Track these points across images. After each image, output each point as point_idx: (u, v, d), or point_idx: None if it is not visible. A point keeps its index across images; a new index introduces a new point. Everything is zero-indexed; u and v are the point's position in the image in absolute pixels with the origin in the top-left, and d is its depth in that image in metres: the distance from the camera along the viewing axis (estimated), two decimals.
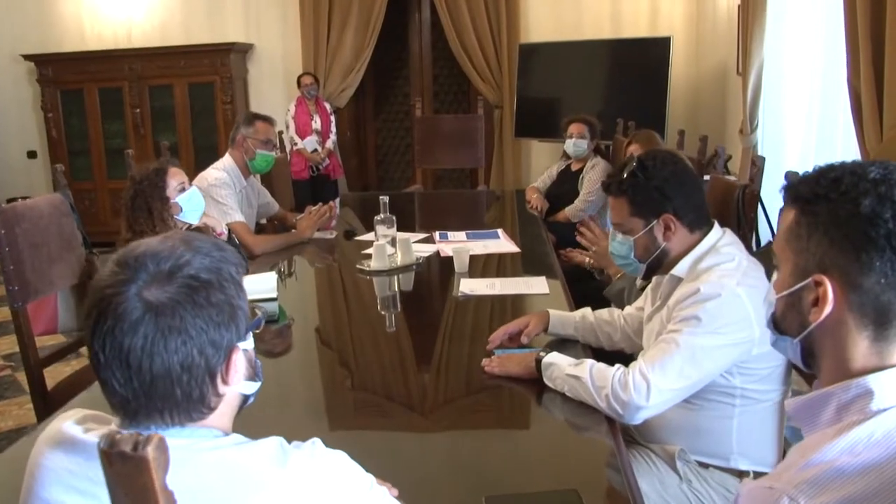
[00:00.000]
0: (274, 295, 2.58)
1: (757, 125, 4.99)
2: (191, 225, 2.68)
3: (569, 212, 4.29)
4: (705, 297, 1.63)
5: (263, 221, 3.88)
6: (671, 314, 1.69)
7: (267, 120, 3.52)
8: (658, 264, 1.81)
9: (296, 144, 6.61)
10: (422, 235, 3.45)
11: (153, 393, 0.92)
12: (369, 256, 3.05)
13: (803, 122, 4.31)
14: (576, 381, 1.68)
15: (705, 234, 1.78)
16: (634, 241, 1.79)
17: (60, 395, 2.60)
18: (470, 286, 2.63)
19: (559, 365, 1.73)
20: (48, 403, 2.56)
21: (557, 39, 6.39)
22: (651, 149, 1.81)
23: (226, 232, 2.81)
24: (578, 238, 2.81)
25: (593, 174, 4.28)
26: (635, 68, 5.85)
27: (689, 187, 1.76)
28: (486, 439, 1.74)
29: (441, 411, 1.88)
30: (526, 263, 3.12)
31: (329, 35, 6.78)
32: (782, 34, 4.63)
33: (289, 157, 6.79)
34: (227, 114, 6.65)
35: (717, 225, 1.81)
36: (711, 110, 6.03)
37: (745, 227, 2.36)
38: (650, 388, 1.59)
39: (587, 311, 2.12)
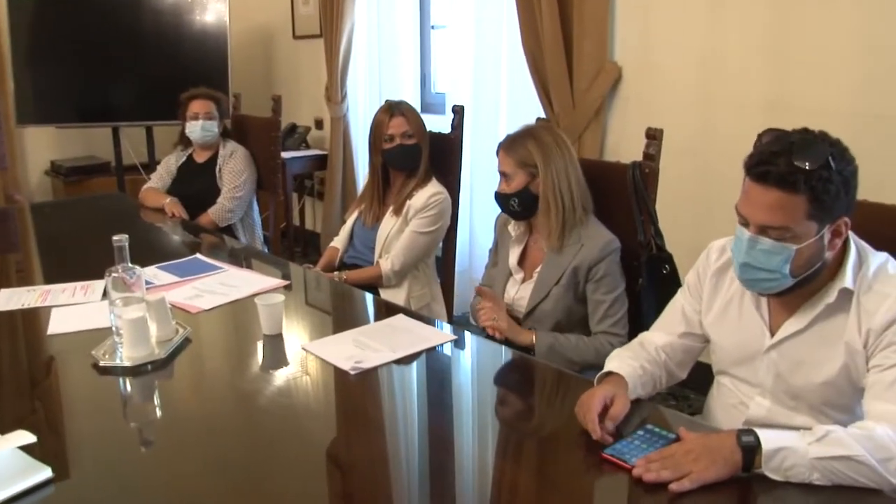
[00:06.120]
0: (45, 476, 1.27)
1: (346, 93, 4.64)
2: None
3: (213, 214, 3.29)
4: None
5: None
6: (878, 339, 1.29)
7: None
8: (811, 279, 1.35)
9: None
10: (54, 289, 2.19)
11: None
12: (91, 342, 1.80)
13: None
14: (841, 462, 1.15)
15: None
16: (797, 250, 1.30)
17: None
18: (341, 353, 1.71)
19: (795, 448, 1.17)
20: None
21: None
22: (819, 132, 1.32)
23: None
24: (481, 315, 2.06)
25: (234, 164, 3.35)
26: (180, 30, 4.83)
27: (857, 180, 1.34)
28: None
29: None
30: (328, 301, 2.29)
31: None
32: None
33: None
34: None
35: None
36: (247, 76, 5.36)
37: (645, 210, 2.02)
38: None
39: (633, 354, 1.54)
